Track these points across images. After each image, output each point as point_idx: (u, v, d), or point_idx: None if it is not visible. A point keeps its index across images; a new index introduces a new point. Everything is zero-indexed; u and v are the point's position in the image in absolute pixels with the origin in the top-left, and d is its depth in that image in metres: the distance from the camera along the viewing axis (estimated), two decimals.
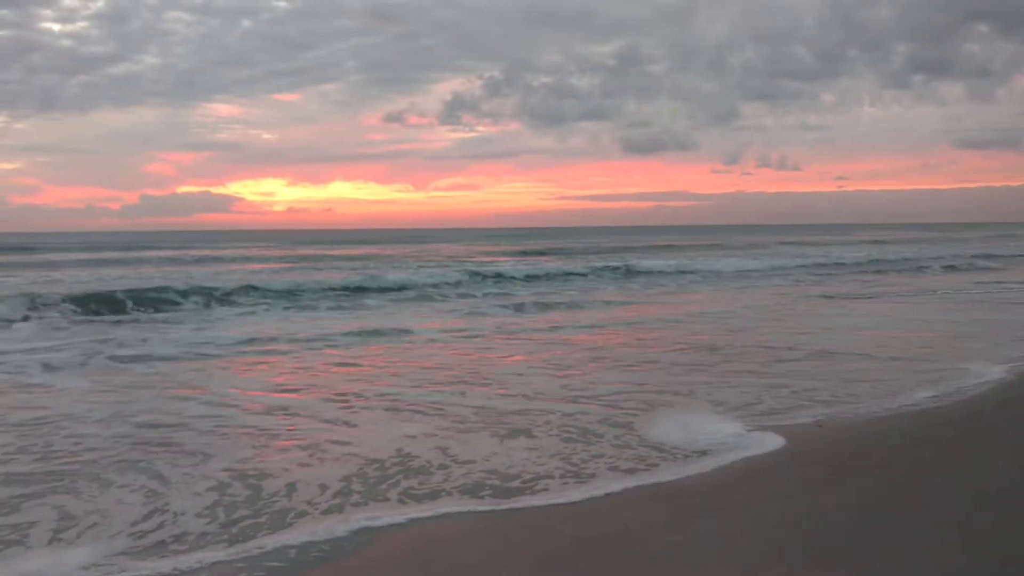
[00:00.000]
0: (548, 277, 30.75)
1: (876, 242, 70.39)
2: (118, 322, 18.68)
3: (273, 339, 15.62)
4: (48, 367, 12.46)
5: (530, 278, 30.15)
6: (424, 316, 19.71)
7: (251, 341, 15.30)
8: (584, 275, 31.80)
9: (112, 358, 13.21)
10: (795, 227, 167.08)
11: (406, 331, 16.41)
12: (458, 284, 27.42)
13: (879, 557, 5.08)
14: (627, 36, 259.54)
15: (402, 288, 25.75)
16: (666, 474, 6.94)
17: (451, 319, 19.26)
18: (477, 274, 29.70)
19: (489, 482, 6.80)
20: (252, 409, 9.61)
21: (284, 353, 14.01)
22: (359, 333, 16.05)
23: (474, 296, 24.66)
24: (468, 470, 7.17)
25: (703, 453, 7.47)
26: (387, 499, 6.42)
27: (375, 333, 16.10)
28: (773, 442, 7.88)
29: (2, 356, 13.40)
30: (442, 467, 7.25)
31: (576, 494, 6.45)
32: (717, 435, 8.05)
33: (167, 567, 5.15)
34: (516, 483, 6.76)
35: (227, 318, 19.44)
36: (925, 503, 6.10)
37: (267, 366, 12.76)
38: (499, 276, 29.86)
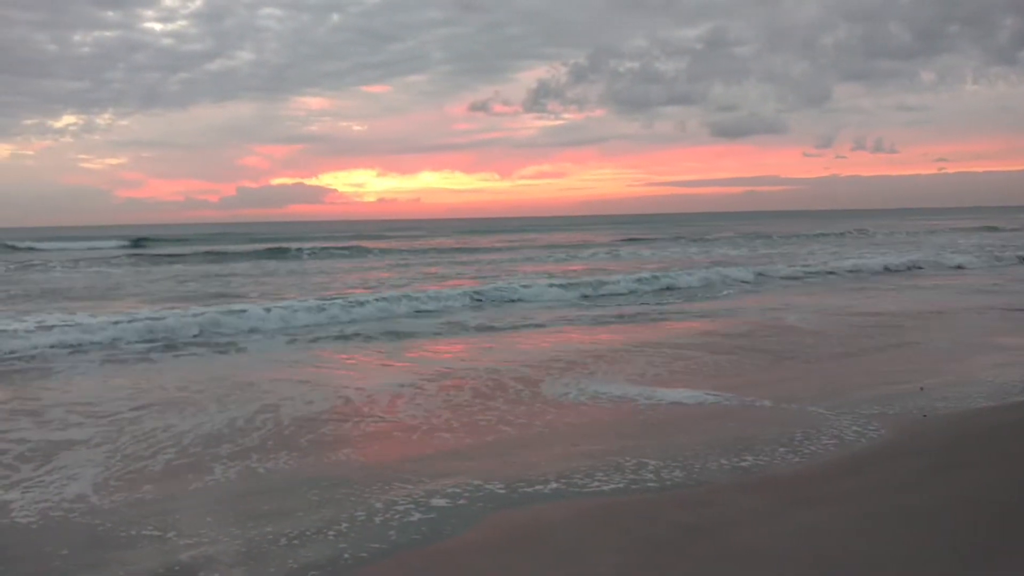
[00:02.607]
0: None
1: None
2: None
3: None
4: None
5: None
6: None
7: None
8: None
9: None
10: (894, 211, 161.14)
11: None
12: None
13: (997, 556, 4.84)
14: (714, 18, 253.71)
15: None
16: None
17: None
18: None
19: (584, 465, 6.78)
20: None
21: None
22: None
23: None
24: (565, 451, 7.19)
25: None
26: (487, 479, 6.47)
27: None
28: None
29: None
30: (542, 448, 7.31)
31: (673, 479, 6.41)
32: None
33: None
34: (608, 468, 6.72)
35: None
36: None
37: None
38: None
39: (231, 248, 47.02)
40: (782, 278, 25.49)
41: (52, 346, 13.30)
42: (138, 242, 56.07)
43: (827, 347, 12.60)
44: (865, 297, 19.94)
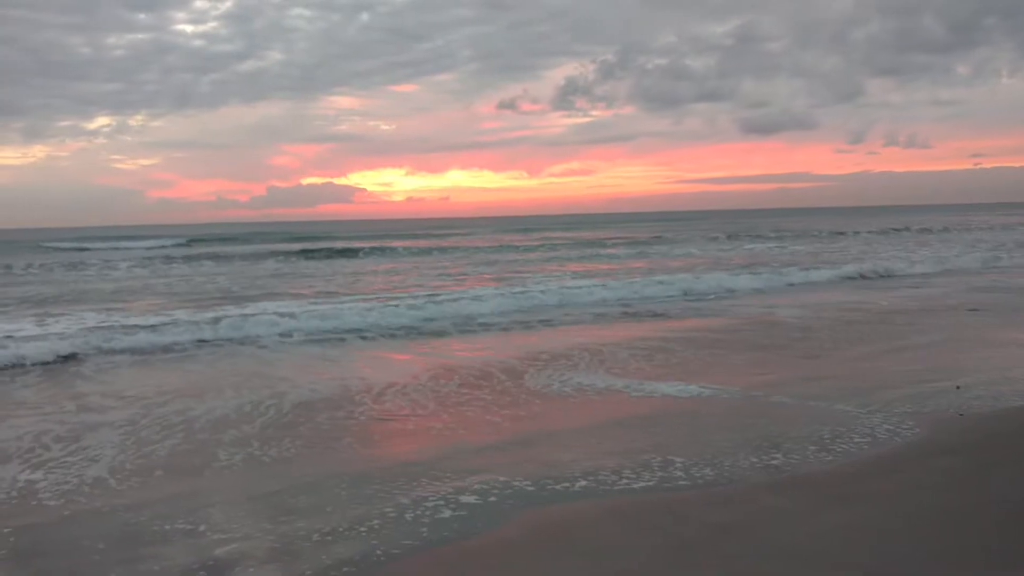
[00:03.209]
0: None
1: None
2: None
3: None
4: None
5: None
6: None
7: None
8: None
9: None
10: (928, 207, 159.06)
11: None
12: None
13: None
14: (745, 14, 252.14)
15: None
16: None
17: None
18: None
19: (611, 463, 6.77)
20: None
21: None
22: None
23: None
24: (594, 450, 7.18)
25: None
26: (515, 477, 6.46)
27: None
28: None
29: None
30: (567, 446, 7.32)
31: (703, 477, 6.37)
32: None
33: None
34: (636, 465, 6.69)
35: None
36: None
37: None
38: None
39: (287, 247, 46.96)
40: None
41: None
42: (191, 242, 56.33)
43: (862, 345, 12.50)
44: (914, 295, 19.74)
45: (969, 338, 12.75)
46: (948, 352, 11.64)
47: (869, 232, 58.41)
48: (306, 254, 41.85)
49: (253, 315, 16.04)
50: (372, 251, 44.35)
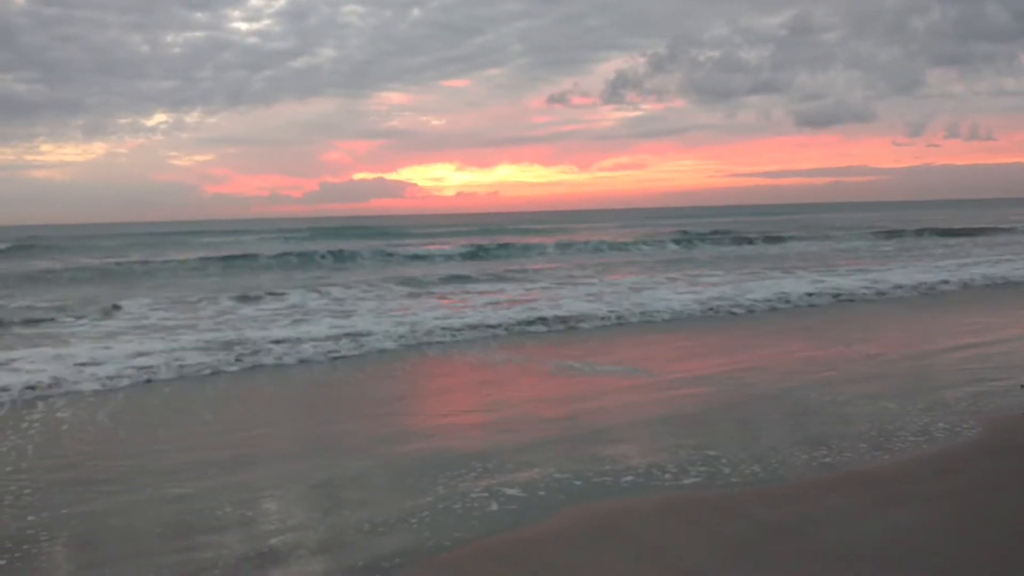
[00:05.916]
0: None
1: None
2: None
3: None
4: None
5: None
6: None
7: None
8: None
9: None
10: (991, 202, 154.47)
11: None
12: None
13: None
14: (798, 4, 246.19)
15: None
16: None
17: None
18: None
19: (660, 459, 6.71)
20: None
21: None
22: None
23: None
24: (642, 446, 7.14)
25: None
26: (561, 471, 6.45)
27: None
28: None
29: None
30: (616, 440, 7.30)
31: (754, 474, 6.28)
32: None
33: None
34: (683, 461, 6.64)
35: None
36: None
37: None
38: None
39: (455, 243, 42.63)
40: None
41: None
42: (312, 233, 55.41)
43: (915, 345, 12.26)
44: None
45: None
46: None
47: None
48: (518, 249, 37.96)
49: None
50: (536, 247, 39.62)
